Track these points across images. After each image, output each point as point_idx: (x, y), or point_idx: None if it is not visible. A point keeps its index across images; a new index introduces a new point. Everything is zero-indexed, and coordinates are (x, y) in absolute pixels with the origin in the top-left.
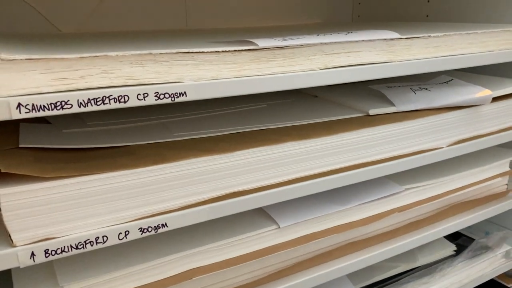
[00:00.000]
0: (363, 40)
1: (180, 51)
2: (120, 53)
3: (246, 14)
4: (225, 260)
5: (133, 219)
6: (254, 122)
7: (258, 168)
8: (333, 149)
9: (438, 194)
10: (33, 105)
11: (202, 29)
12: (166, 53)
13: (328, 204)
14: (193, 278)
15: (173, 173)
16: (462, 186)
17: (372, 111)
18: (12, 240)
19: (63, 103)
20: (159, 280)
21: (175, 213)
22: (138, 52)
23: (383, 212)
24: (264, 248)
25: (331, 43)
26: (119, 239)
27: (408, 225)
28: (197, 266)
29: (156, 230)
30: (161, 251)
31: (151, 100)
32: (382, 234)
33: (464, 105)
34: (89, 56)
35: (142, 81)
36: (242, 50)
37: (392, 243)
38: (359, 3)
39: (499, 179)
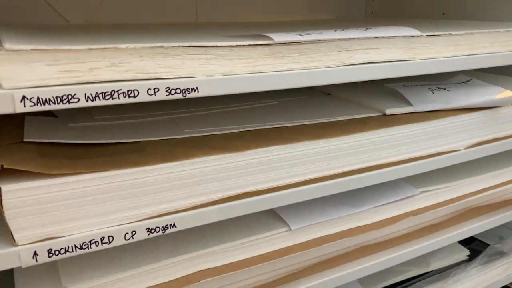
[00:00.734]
0: (382, 37)
1: (192, 45)
2: (131, 45)
3: (257, 8)
4: (234, 262)
5: (141, 219)
6: (266, 119)
7: (271, 168)
8: (349, 150)
9: (454, 198)
10: (38, 98)
11: (213, 22)
12: (178, 46)
13: (341, 207)
14: (201, 281)
15: (183, 172)
16: (479, 190)
17: (389, 111)
18: (14, 239)
19: (69, 96)
20: (165, 282)
21: (184, 213)
22: (149, 45)
23: (397, 216)
24: (274, 251)
25: (349, 39)
26: (126, 240)
27: (423, 229)
28: (205, 268)
29: (164, 231)
30: (168, 252)
31: (162, 96)
32: (396, 238)
33: (484, 106)
34: (98, 48)
35: (153, 76)
36: (257, 44)
37: (406, 247)
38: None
39: None
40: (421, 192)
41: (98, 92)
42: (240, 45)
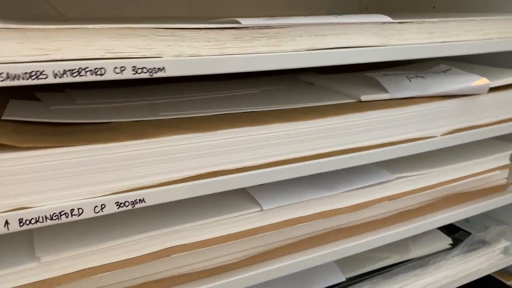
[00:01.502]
0: (353, 23)
1: (160, 27)
2: (98, 26)
3: (251, 4)
4: (205, 239)
5: (110, 193)
6: (244, 105)
7: (241, 148)
8: (320, 133)
9: (431, 185)
10: (7, 73)
11: (204, 16)
12: (146, 28)
13: (314, 189)
14: (171, 256)
15: (152, 149)
16: (457, 178)
17: (364, 97)
18: None
19: (38, 73)
20: (136, 257)
21: (154, 189)
22: (117, 25)
23: (372, 200)
24: (245, 230)
25: (319, 23)
26: (95, 212)
27: (399, 215)
28: (176, 244)
29: (133, 205)
30: (140, 228)
31: (128, 74)
32: (371, 222)
33: (460, 93)
34: (67, 28)
35: (120, 55)
36: (224, 28)
37: (381, 232)
38: None
39: (498, 172)
40: (397, 178)
41: (66, 69)
42: (207, 28)
